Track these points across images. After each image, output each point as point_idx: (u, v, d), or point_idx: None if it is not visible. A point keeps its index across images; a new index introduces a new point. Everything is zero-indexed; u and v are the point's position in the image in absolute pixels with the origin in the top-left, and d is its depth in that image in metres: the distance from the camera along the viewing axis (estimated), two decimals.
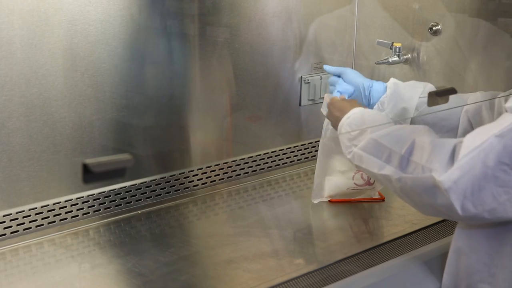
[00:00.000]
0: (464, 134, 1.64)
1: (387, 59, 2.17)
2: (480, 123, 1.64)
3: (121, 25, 1.74)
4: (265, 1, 2.02)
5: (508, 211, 1.28)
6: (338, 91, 1.78)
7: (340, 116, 1.59)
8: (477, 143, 1.26)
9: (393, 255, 1.63)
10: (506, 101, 1.64)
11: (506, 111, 1.29)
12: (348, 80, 1.81)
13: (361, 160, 1.45)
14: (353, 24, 2.27)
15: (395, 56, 2.16)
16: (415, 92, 1.72)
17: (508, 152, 1.23)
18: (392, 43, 2.16)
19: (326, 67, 1.87)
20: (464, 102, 1.68)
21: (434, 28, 2.10)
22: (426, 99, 1.69)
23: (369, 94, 1.76)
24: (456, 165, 1.26)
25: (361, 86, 1.77)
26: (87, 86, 1.71)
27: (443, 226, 1.79)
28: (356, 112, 1.57)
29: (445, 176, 1.26)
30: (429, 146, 1.32)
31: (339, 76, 1.85)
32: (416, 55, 2.17)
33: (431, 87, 1.75)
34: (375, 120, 1.52)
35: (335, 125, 1.64)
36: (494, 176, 1.24)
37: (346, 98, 1.76)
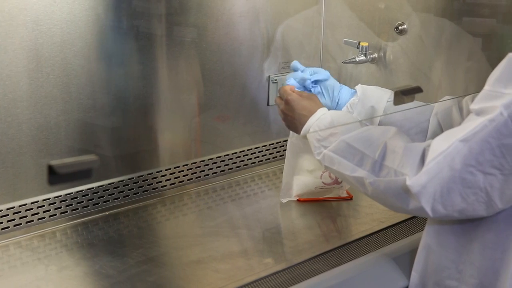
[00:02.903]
0: (434, 135, 1.66)
1: (354, 58, 2.18)
2: (450, 125, 1.66)
3: (87, 25, 1.72)
4: (232, 0, 2.02)
5: (476, 210, 1.30)
6: (290, 81, 1.72)
7: (307, 115, 1.58)
8: (443, 148, 1.28)
9: (361, 253, 1.64)
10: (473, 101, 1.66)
11: (471, 112, 1.31)
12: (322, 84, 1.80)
13: (332, 162, 1.46)
14: (320, 24, 2.27)
15: (362, 55, 2.17)
16: (383, 94, 1.74)
17: (474, 155, 1.25)
18: (359, 42, 2.17)
19: (298, 64, 1.83)
20: (431, 109, 1.70)
21: (400, 27, 2.12)
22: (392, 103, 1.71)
23: (338, 95, 1.76)
24: (423, 170, 1.29)
25: (330, 87, 1.77)
26: (52, 87, 1.69)
27: (411, 224, 1.80)
28: (325, 113, 1.56)
29: (413, 181, 1.30)
30: (400, 150, 1.35)
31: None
32: (382, 54, 2.18)
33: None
34: (343, 122, 1.53)
35: (297, 122, 1.59)
36: (461, 178, 1.27)
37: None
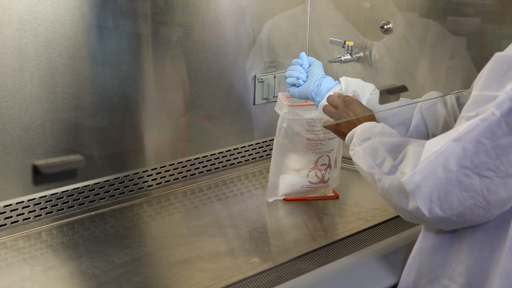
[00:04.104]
0: (416, 129, 1.68)
1: (339, 57, 2.18)
2: (435, 119, 1.67)
3: (72, 24, 1.71)
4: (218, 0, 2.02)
5: (475, 215, 1.31)
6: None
7: (362, 121, 1.57)
8: (436, 148, 1.29)
9: (347, 252, 1.64)
10: (457, 98, 1.67)
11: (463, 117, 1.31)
12: (310, 69, 1.81)
13: (359, 158, 1.48)
14: (306, 23, 2.28)
15: (348, 54, 2.18)
16: (366, 86, 1.75)
17: (469, 156, 1.26)
18: (345, 41, 2.17)
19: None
20: (414, 104, 1.71)
21: (385, 26, 2.13)
22: (376, 96, 1.72)
23: (320, 84, 1.77)
24: (416, 169, 1.30)
25: (316, 76, 1.78)
26: (37, 87, 1.68)
27: (397, 222, 1.81)
28: (376, 124, 1.56)
29: (406, 178, 1.31)
30: (409, 154, 1.36)
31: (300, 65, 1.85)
32: (368, 53, 2.19)
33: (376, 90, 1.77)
34: (389, 131, 1.54)
35: (351, 123, 1.61)
36: (458, 180, 1.27)
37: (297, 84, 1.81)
